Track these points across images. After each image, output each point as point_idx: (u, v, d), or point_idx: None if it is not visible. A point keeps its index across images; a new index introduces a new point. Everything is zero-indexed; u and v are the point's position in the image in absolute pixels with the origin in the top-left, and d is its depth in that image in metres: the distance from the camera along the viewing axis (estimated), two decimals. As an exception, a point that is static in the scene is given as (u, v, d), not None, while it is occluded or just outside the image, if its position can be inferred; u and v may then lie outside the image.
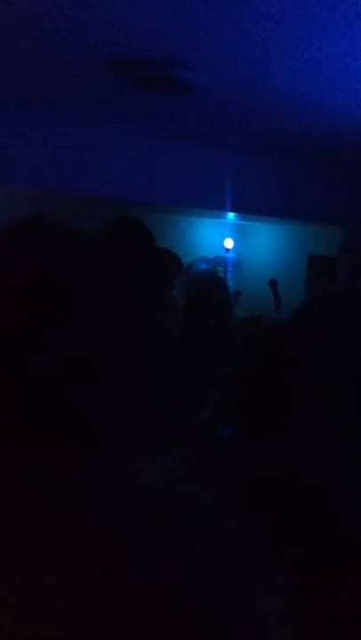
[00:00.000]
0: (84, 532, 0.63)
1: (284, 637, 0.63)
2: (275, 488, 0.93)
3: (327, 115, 3.66)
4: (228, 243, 6.31)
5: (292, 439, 1.01)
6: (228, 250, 6.28)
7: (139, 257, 2.15)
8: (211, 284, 3.08)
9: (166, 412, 0.89)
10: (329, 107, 3.51)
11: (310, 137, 4.20)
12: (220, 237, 6.34)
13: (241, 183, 4.80)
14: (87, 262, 0.84)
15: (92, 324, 0.78)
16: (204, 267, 6.29)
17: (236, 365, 1.18)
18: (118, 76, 3.12)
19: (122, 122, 4.17)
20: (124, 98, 3.53)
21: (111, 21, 2.54)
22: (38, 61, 3.06)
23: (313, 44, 2.65)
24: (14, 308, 0.77)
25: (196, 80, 3.14)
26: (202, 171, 4.69)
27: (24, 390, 0.71)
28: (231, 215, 5.65)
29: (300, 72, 3.01)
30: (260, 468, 0.98)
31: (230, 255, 6.25)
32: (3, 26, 2.63)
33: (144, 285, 2.12)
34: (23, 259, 0.80)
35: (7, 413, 0.70)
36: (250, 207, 5.03)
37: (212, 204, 4.89)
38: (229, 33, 2.58)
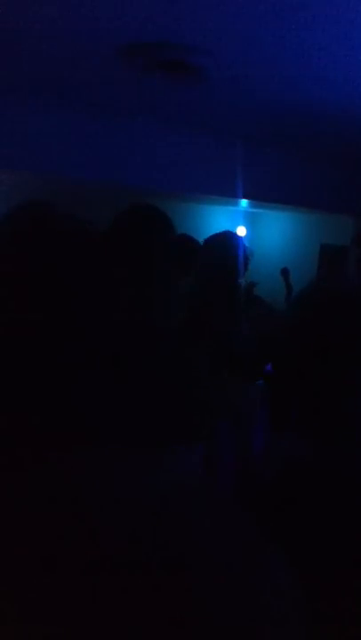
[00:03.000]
0: (85, 531, 0.63)
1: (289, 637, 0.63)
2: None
3: (343, 105, 3.62)
4: (241, 231, 6.28)
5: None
6: (240, 238, 6.25)
7: (155, 245, 2.08)
8: (225, 241, 3.12)
9: (180, 410, 0.88)
10: (345, 97, 3.47)
11: (325, 126, 4.17)
12: (232, 225, 6.32)
13: (254, 171, 4.77)
14: (92, 251, 0.79)
15: (98, 317, 0.75)
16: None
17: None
18: (131, 62, 3.10)
19: (134, 109, 4.15)
20: (137, 85, 3.52)
21: (121, 7, 2.52)
22: (48, 48, 3.05)
23: (331, 32, 2.62)
24: (15, 300, 0.73)
25: (211, 66, 3.12)
26: (215, 159, 4.67)
27: (27, 387, 0.70)
28: (244, 203, 5.62)
29: (316, 60, 2.98)
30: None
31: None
32: (11, 12, 2.62)
33: (159, 274, 2.06)
34: (24, 246, 0.76)
35: (10, 413, 0.69)
36: (263, 195, 5.01)
37: (225, 191, 4.87)
38: (243, 17, 2.55)
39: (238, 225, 6.29)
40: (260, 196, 5.05)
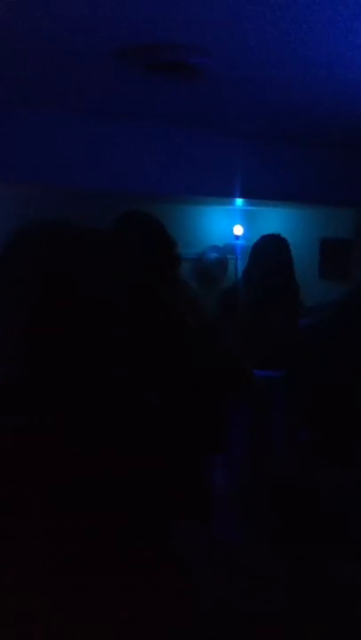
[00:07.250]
0: None
1: None
2: None
3: (341, 97, 3.54)
4: (238, 229, 6.20)
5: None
6: (237, 237, 6.17)
7: (153, 250, 2.15)
8: None
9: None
10: (343, 90, 3.39)
11: (323, 120, 4.08)
12: (230, 224, 6.23)
13: (251, 169, 4.69)
14: (104, 260, 0.85)
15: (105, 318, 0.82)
16: (214, 255, 6.18)
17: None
18: (127, 63, 3.00)
19: (126, 111, 4.05)
20: (131, 86, 3.42)
21: (119, 7, 2.42)
22: (41, 52, 2.95)
23: (332, 28, 2.54)
24: (33, 306, 0.80)
25: (207, 65, 3.03)
26: (211, 158, 4.57)
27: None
28: (239, 201, 5.53)
29: (314, 57, 2.90)
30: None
31: (240, 242, 6.15)
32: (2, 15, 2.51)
33: (159, 278, 2.09)
34: (41, 258, 0.81)
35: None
36: (261, 193, 4.92)
37: (224, 191, 4.77)
38: (243, 16, 2.46)
39: (235, 224, 6.21)
40: (258, 193, 4.95)
